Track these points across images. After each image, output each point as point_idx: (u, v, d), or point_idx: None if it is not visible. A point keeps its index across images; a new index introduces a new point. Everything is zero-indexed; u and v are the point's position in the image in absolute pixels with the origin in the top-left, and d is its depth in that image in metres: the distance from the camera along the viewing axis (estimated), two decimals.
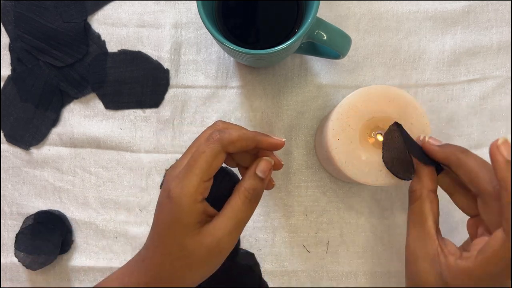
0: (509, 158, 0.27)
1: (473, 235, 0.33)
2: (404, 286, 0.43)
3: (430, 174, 0.33)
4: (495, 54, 0.44)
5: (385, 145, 0.35)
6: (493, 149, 0.28)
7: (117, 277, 0.34)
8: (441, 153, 0.32)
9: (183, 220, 0.31)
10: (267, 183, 0.33)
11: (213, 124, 0.34)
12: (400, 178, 0.35)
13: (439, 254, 0.31)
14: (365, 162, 0.35)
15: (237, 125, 0.34)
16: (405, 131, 0.35)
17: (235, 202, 0.32)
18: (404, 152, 0.35)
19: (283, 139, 0.33)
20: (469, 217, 0.34)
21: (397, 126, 0.35)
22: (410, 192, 0.34)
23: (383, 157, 0.35)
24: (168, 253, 0.32)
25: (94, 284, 0.44)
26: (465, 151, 0.32)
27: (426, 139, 0.34)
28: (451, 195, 0.35)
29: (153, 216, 0.44)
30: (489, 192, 0.30)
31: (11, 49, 0.45)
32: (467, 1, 0.44)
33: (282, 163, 0.35)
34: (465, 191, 0.34)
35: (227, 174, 0.44)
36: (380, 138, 0.36)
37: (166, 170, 0.36)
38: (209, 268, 0.33)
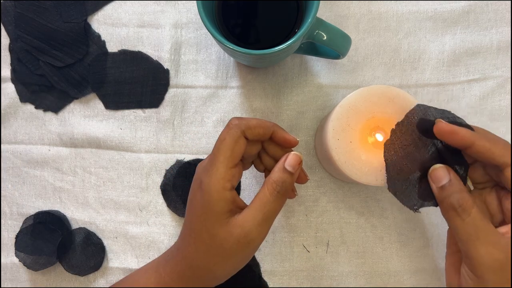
0: None
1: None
2: (404, 286, 0.43)
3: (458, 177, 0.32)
4: (495, 54, 0.44)
5: (392, 149, 0.33)
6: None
7: (152, 266, 0.36)
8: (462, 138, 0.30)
9: (213, 208, 0.32)
10: (296, 177, 0.33)
11: (230, 120, 0.35)
12: (412, 208, 0.32)
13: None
14: (365, 162, 0.35)
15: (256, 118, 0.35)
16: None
17: (264, 194, 0.32)
18: (422, 160, 0.32)
19: (298, 139, 0.34)
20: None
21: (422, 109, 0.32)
22: (456, 207, 0.30)
23: (388, 172, 0.33)
24: (200, 242, 0.32)
25: (93, 284, 0.44)
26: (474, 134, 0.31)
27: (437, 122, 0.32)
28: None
29: (153, 216, 0.44)
30: None
31: (11, 49, 0.45)
32: (467, 1, 0.44)
33: (308, 178, 0.35)
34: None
35: None
36: (380, 138, 0.36)
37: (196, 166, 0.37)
38: (239, 260, 0.33)
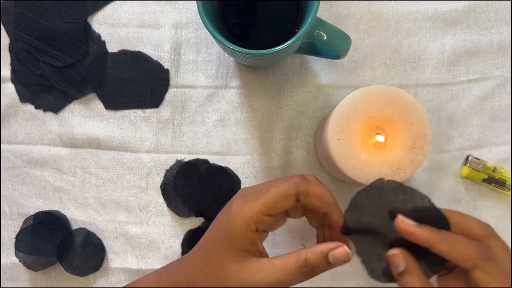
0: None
1: None
2: None
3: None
4: (495, 54, 0.44)
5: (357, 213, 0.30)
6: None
7: (156, 272, 0.36)
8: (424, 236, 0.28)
9: (232, 240, 0.31)
10: (331, 268, 0.31)
11: (306, 174, 0.34)
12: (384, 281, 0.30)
13: None
14: (365, 162, 0.35)
15: (326, 187, 0.33)
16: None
17: (289, 262, 0.30)
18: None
19: (349, 252, 0.30)
20: None
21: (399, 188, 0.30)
22: None
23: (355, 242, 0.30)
24: (207, 266, 0.32)
25: (93, 285, 0.44)
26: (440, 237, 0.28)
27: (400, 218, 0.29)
28: None
29: (153, 216, 0.45)
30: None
31: (11, 49, 0.45)
32: (467, 1, 0.44)
33: (350, 259, 0.31)
34: None
35: (227, 174, 0.44)
36: (381, 139, 0.36)
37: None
38: None
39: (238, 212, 0.31)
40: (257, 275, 0.30)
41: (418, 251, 0.29)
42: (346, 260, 0.30)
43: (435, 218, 0.29)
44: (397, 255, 0.29)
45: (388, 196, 0.30)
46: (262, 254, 0.32)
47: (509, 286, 0.28)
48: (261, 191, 0.32)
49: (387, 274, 0.30)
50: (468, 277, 0.28)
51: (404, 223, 0.29)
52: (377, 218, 0.30)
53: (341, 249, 0.30)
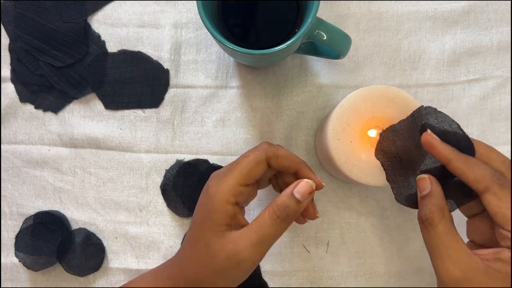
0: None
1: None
2: (403, 286, 0.43)
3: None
4: (495, 54, 0.44)
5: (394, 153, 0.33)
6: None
7: (153, 271, 0.36)
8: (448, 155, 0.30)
9: (212, 217, 0.31)
10: (303, 206, 0.32)
11: (260, 143, 0.35)
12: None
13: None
14: (365, 162, 0.35)
15: (286, 149, 0.35)
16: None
17: (263, 216, 0.31)
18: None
19: (323, 184, 0.33)
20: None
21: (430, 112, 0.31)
22: (423, 220, 0.30)
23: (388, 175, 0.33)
24: (195, 250, 0.32)
25: (93, 285, 0.44)
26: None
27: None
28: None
29: (152, 216, 0.45)
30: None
31: (11, 49, 0.45)
32: (467, 1, 0.44)
33: (323, 184, 0.34)
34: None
35: None
36: (373, 134, 0.36)
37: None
38: (230, 280, 0.32)
39: (215, 190, 0.32)
40: (239, 242, 0.31)
41: (446, 183, 0.31)
42: (310, 191, 0.31)
43: (462, 143, 0.30)
44: (426, 178, 0.30)
45: (421, 120, 0.32)
46: (244, 225, 0.32)
47: None
48: (232, 165, 0.33)
49: (411, 200, 0.32)
50: (482, 202, 0.29)
51: (429, 136, 0.30)
52: (411, 141, 0.32)
53: (302, 183, 0.32)
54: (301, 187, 0.31)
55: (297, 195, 0.31)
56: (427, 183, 0.30)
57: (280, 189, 0.37)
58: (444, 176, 0.31)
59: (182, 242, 0.44)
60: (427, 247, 0.30)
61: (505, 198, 0.28)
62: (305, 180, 0.32)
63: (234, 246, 0.31)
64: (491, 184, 0.28)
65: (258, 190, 0.37)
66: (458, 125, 0.31)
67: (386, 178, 0.34)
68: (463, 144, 0.30)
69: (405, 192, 0.33)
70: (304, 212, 0.35)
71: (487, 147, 0.30)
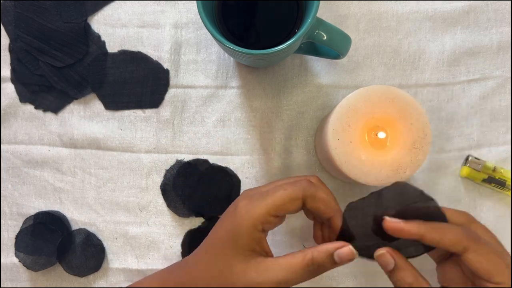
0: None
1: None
2: None
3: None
4: (495, 54, 0.44)
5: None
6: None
7: (159, 274, 0.36)
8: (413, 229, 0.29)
9: (239, 240, 0.31)
10: (336, 267, 0.31)
11: (309, 175, 0.35)
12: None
13: None
14: (365, 162, 0.35)
15: (328, 188, 0.34)
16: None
17: (296, 261, 0.30)
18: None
19: (355, 252, 0.31)
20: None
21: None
22: None
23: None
24: (213, 266, 0.32)
25: (93, 285, 0.44)
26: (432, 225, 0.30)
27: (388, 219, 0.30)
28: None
29: (152, 216, 0.44)
30: None
31: (11, 49, 0.45)
32: (467, 1, 0.44)
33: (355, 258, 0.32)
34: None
35: (227, 174, 0.44)
36: (382, 135, 0.36)
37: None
38: None
39: (245, 212, 0.31)
40: (263, 274, 0.30)
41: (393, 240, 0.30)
42: (351, 259, 0.30)
43: (433, 214, 0.30)
44: (384, 254, 0.30)
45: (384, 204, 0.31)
46: (268, 254, 0.32)
47: (502, 263, 0.29)
48: (268, 193, 0.32)
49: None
50: (462, 262, 0.29)
51: (391, 222, 0.30)
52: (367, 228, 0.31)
53: (346, 248, 0.30)
54: (344, 253, 0.30)
55: (337, 259, 0.30)
56: (388, 258, 0.30)
57: (313, 218, 0.36)
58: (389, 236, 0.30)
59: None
60: None
61: (484, 253, 0.29)
62: (350, 247, 0.31)
63: (257, 276, 0.30)
64: (467, 243, 0.29)
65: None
66: (426, 196, 0.30)
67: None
68: (435, 214, 0.30)
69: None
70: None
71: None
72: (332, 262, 0.31)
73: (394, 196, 0.31)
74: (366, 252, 0.31)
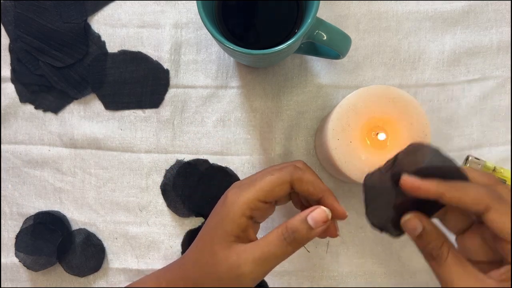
0: None
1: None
2: (404, 286, 0.43)
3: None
4: (495, 54, 0.44)
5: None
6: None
7: (156, 273, 0.36)
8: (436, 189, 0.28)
9: (225, 226, 0.31)
10: (315, 234, 0.31)
11: (295, 161, 0.34)
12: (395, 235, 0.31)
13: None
14: (365, 162, 0.35)
15: (317, 175, 0.34)
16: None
17: (271, 234, 0.31)
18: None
19: (347, 213, 0.32)
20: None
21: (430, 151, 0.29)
22: (433, 256, 0.29)
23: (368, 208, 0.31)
24: (201, 255, 0.32)
25: (93, 285, 0.44)
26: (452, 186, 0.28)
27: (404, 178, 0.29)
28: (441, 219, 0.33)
29: (153, 216, 0.45)
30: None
31: (11, 49, 0.45)
32: (467, 1, 0.44)
33: (338, 234, 0.33)
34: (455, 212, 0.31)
35: (227, 174, 0.44)
36: (382, 137, 0.36)
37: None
38: None
39: (234, 199, 0.31)
40: (242, 255, 0.30)
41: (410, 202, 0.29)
42: (324, 220, 0.30)
43: (455, 174, 0.29)
44: (412, 218, 0.29)
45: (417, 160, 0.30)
46: (252, 240, 0.32)
47: None
48: (255, 179, 0.32)
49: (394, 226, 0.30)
50: (483, 227, 0.28)
51: (407, 181, 0.28)
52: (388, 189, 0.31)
53: (318, 209, 0.30)
54: (316, 213, 0.30)
55: (311, 222, 0.30)
56: (416, 222, 0.29)
57: (300, 208, 0.36)
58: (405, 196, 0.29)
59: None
60: (440, 280, 0.29)
61: (507, 213, 0.27)
62: (322, 207, 0.31)
63: (237, 259, 0.30)
64: (490, 201, 0.27)
65: (277, 206, 0.36)
66: (443, 156, 0.29)
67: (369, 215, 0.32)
68: (456, 174, 0.29)
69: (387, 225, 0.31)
70: (324, 232, 0.33)
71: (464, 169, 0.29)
72: (307, 227, 0.30)
73: (409, 158, 0.30)
74: (389, 224, 0.30)
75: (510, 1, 0.44)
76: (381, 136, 0.36)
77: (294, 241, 0.30)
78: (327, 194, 0.33)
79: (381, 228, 0.31)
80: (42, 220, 0.44)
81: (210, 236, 0.32)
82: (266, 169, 0.35)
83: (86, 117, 0.45)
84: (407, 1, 0.44)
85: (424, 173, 0.29)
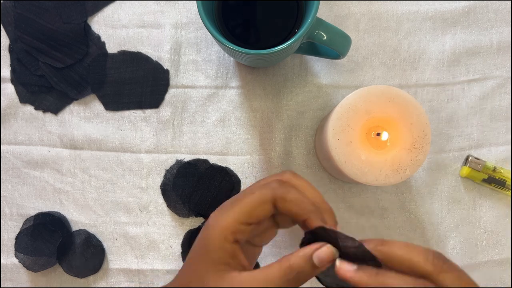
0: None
1: None
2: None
3: None
4: (495, 54, 0.44)
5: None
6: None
7: None
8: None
9: (211, 254, 0.29)
10: (318, 272, 0.28)
11: (282, 172, 0.32)
12: None
13: None
14: (365, 162, 0.35)
15: (306, 181, 0.32)
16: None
17: (273, 271, 0.28)
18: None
19: (334, 251, 0.28)
20: None
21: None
22: None
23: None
24: (188, 280, 0.30)
25: (92, 285, 0.44)
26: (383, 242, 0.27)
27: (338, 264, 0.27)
28: None
29: (152, 216, 0.45)
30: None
31: (11, 50, 0.45)
32: (467, 1, 0.44)
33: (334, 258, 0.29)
34: None
35: (227, 174, 0.44)
36: (385, 136, 0.36)
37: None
38: None
39: (214, 223, 0.29)
40: None
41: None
42: (330, 259, 0.28)
43: (366, 256, 0.27)
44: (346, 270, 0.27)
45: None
46: (245, 268, 0.29)
47: None
48: (236, 199, 0.30)
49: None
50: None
51: (344, 270, 0.27)
52: None
53: (324, 248, 0.28)
54: (323, 253, 0.27)
55: (316, 261, 0.27)
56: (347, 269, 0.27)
57: (292, 223, 0.33)
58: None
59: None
60: None
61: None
62: (328, 245, 0.28)
63: None
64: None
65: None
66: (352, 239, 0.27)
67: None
68: (368, 257, 0.27)
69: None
70: None
71: (407, 248, 0.26)
72: (312, 266, 0.27)
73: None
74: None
75: (510, 1, 0.44)
76: (381, 136, 0.36)
77: (297, 280, 0.28)
78: (313, 216, 0.29)
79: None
80: (42, 221, 0.44)
81: (196, 264, 0.30)
82: (250, 186, 0.32)
83: (86, 118, 0.45)
84: (407, 1, 0.44)
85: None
